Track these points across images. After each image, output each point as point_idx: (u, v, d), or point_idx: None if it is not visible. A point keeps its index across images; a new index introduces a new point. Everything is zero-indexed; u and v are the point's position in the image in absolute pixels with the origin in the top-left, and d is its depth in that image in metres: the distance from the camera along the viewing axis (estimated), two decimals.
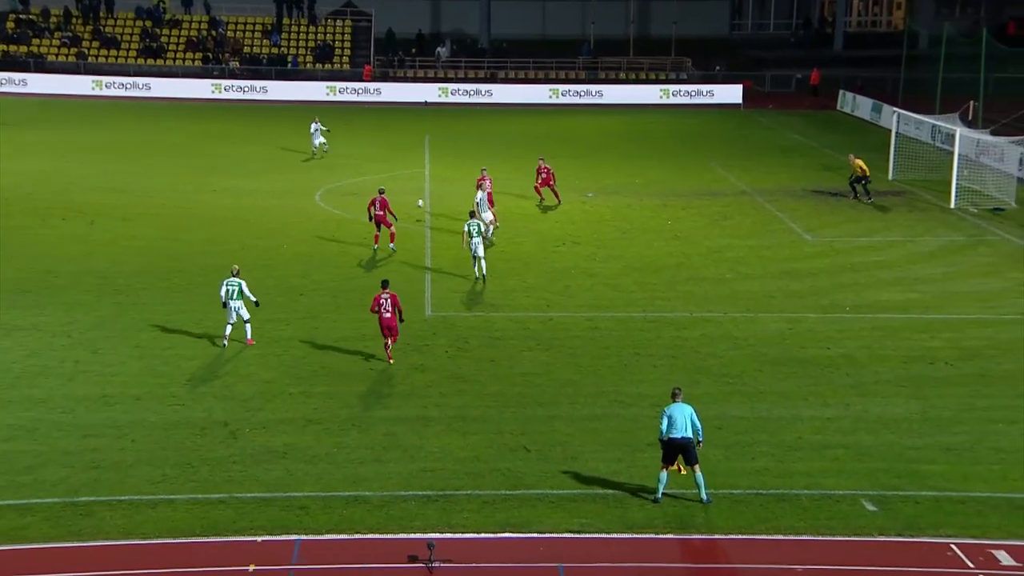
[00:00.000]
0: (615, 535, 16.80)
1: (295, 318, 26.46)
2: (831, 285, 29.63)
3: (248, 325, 24.69)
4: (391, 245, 32.17)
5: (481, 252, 29.18)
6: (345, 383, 22.57)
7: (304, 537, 16.65)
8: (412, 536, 16.64)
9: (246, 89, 65.81)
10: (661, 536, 16.81)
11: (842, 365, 23.84)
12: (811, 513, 17.41)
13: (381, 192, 32.45)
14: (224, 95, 65.31)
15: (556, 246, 33.45)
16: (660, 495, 17.57)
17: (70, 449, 19.34)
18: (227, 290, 24.47)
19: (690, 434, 17.32)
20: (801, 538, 16.80)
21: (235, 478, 18.41)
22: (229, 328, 24.44)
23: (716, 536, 16.81)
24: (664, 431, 17.45)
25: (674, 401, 17.64)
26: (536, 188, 39.05)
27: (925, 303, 28.20)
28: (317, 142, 45.02)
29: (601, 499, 17.76)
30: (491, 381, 22.80)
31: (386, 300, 23.28)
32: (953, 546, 16.51)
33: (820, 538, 16.80)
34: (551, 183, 38.62)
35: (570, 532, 16.87)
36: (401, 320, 23.60)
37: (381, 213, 31.97)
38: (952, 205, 38.80)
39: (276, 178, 42.86)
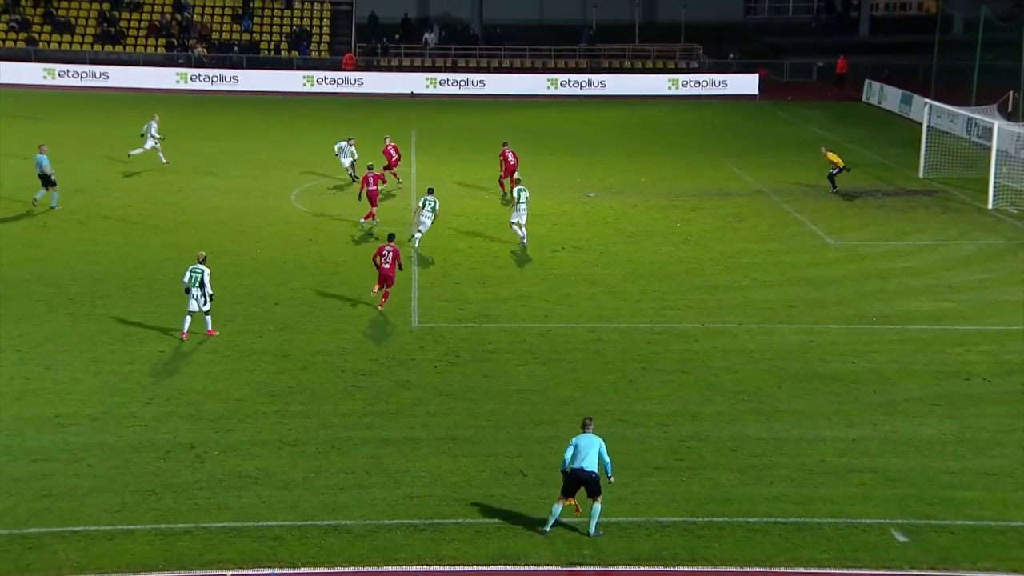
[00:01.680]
0: (620, 567, 16.81)
1: (269, 330, 26.47)
2: (856, 293, 29.71)
3: (208, 317, 25.25)
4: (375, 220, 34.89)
5: (424, 228, 32.46)
6: (324, 401, 22.57)
7: (278, 571, 16.63)
8: (396, 569, 16.64)
9: (214, 79, 65.87)
10: (671, 569, 16.81)
11: (869, 381, 23.89)
12: (835, 544, 17.43)
13: (370, 168, 35.24)
14: (190, 85, 65.34)
15: (555, 251, 33.51)
16: (549, 527, 17.56)
17: (18, 475, 19.30)
18: (191, 276, 25.17)
19: (595, 468, 17.42)
20: (824, 571, 16.82)
21: (202, 506, 18.38)
22: (188, 320, 24.98)
23: (731, 569, 16.82)
24: (567, 461, 17.57)
25: (584, 431, 17.74)
26: (500, 180, 39.29)
27: (960, 313, 28.27)
28: (347, 162, 43.10)
29: (604, 528, 17.75)
30: (484, 398, 22.81)
31: (388, 252, 26.99)
32: None
33: (845, 572, 16.82)
34: (512, 174, 38.89)
35: (571, 564, 16.87)
36: (400, 268, 27.40)
37: (375, 188, 34.73)
38: (990, 205, 38.94)
39: (248, 177, 42.88)
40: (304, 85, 65.94)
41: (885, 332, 26.77)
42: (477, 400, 22.72)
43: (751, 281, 30.68)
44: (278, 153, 47.16)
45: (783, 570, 16.80)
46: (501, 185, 39.63)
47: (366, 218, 35.07)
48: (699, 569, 16.83)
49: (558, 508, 17.62)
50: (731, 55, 72.44)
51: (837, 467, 19.95)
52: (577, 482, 17.48)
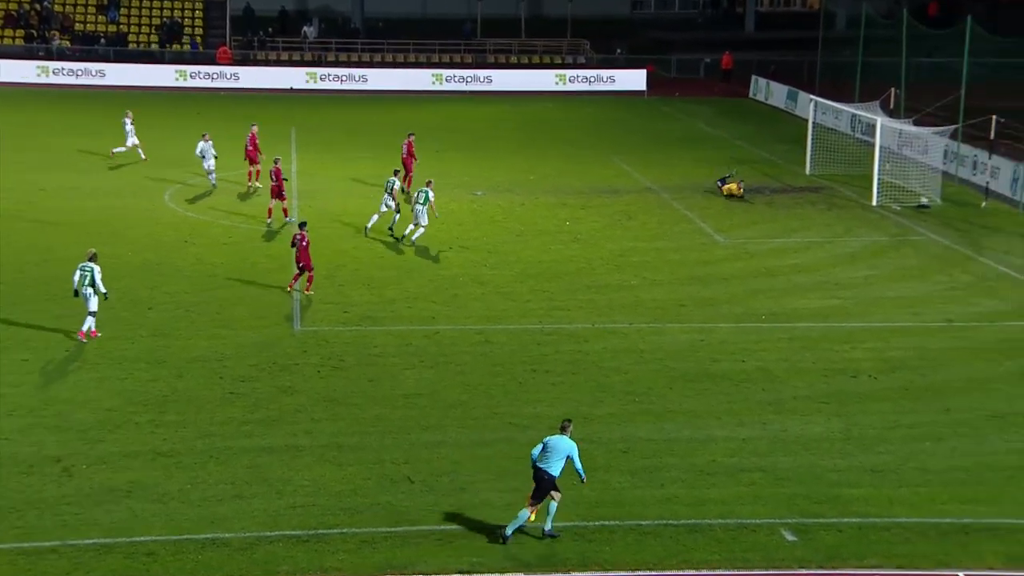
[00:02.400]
0: (509, 575, 16.86)
1: (142, 335, 25.92)
2: (745, 292, 30.33)
3: (92, 318, 25.14)
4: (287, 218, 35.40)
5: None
6: (201, 409, 22.20)
7: None
8: None
9: (79, 72, 64.18)
10: (561, 574, 16.93)
11: (758, 380, 24.43)
12: (725, 545, 17.77)
13: (276, 162, 35.20)
14: (52, 79, 63.59)
15: (442, 251, 33.49)
16: (510, 532, 17.56)
17: None
18: (80, 276, 25.17)
19: (557, 473, 17.54)
20: (716, 573, 17.12)
21: (69, 522, 17.92)
22: (91, 320, 25.16)
23: (622, 573, 17.01)
24: (535, 457, 17.69)
25: (561, 433, 17.83)
26: (401, 161, 39.60)
27: (846, 310, 29.08)
28: (209, 164, 42.27)
29: (493, 535, 17.81)
30: (369, 404, 22.68)
31: (301, 238, 28.41)
32: None
33: (736, 572, 17.15)
34: (408, 167, 39.45)
35: (459, 573, 16.88)
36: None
37: (277, 183, 34.82)
38: (874, 202, 40.12)
39: (118, 176, 41.92)
40: (176, 79, 64.70)
41: (774, 330, 27.38)
42: (362, 405, 22.59)
43: (641, 280, 31.10)
44: (150, 151, 46.17)
45: (674, 573, 17.05)
46: (409, 182, 39.53)
47: (285, 214, 35.47)
48: (590, 574, 16.98)
49: (525, 514, 17.54)
50: (618, 50, 73.31)
51: (728, 467, 20.34)
52: (539, 481, 17.52)
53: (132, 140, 43.53)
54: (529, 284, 30.52)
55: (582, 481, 18.05)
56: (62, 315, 26.86)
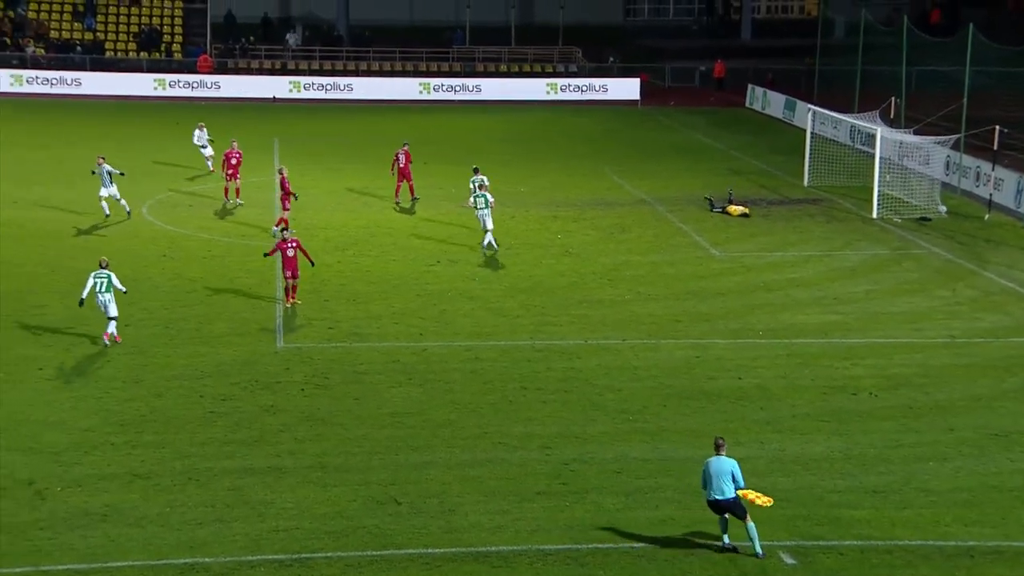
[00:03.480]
0: None
1: (118, 353, 25.87)
2: (742, 307, 30.38)
3: (114, 322, 25.81)
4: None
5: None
6: (180, 430, 22.14)
7: None
8: None
9: (54, 81, 64.22)
10: None
11: (755, 397, 24.45)
12: (722, 568, 17.74)
13: (282, 171, 36.36)
14: (26, 88, 63.64)
15: (430, 265, 33.51)
16: (761, 550, 17.84)
17: None
18: (96, 283, 25.81)
19: (732, 494, 17.81)
20: None
21: (42, 547, 17.84)
22: (112, 324, 25.93)
23: None
24: (704, 487, 18.00)
25: (717, 453, 18.05)
26: (398, 171, 39.91)
27: (846, 326, 29.13)
28: (207, 152, 43.96)
29: (484, 558, 17.79)
30: (355, 423, 22.65)
31: (291, 246, 28.74)
32: None
33: None
34: (408, 175, 39.79)
35: None
36: (312, 263, 29.41)
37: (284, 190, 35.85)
38: (874, 215, 40.23)
39: (93, 188, 41.84)
40: (155, 88, 64.75)
41: (771, 346, 27.42)
42: (347, 425, 22.55)
43: (635, 295, 31.13)
44: (127, 162, 46.09)
45: None
46: (406, 177, 40.06)
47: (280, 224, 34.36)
48: None
49: (752, 528, 17.77)
50: (611, 59, 73.53)
51: None
52: (719, 510, 17.80)
53: (206, 151, 43.73)
54: (520, 299, 30.54)
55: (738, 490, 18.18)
56: (34, 333, 26.82)
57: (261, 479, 20.21)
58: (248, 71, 69.25)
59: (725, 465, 17.91)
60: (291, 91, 65.98)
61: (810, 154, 45.79)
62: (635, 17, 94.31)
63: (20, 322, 27.58)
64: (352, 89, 66.62)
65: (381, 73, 70.49)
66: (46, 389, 23.86)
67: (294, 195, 35.95)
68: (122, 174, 37.32)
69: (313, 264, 29.56)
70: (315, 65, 71.06)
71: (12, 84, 63.70)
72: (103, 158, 36.89)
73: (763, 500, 18.10)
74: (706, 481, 17.96)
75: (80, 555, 17.65)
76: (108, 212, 36.83)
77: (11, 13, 68.72)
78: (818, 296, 31.49)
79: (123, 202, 37.02)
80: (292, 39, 74.03)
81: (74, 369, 24.84)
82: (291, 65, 71.00)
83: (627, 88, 67.93)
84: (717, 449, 18.11)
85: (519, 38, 76.78)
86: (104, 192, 36.57)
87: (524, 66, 73.09)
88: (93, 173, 37.02)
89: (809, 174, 45.46)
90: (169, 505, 19.24)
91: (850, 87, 53.81)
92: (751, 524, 17.89)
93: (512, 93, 67.40)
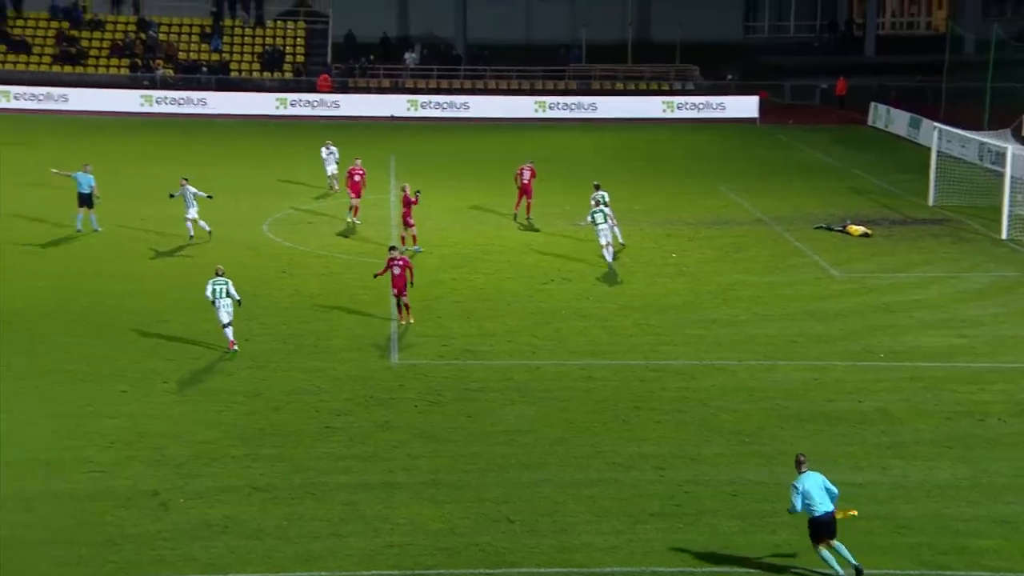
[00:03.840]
0: None
1: (238, 368, 26.41)
2: (863, 328, 29.83)
3: (230, 329, 26.69)
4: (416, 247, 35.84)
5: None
6: (297, 444, 22.51)
7: None
8: None
9: (181, 101, 65.97)
10: None
11: (877, 421, 23.96)
12: None
13: (405, 189, 36.40)
14: (156, 108, 65.40)
15: (543, 283, 33.58)
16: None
17: None
18: (214, 289, 26.86)
19: (831, 508, 17.70)
20: None
21: (166, 557, 18.27)
22: (229, 330, 26.83)
23: None
24: (798, 508, 17.75)
25: (799, 470, 17.91)
26: (521, 186, 40.13)
27: (973, 349, 28.40)
28: (330, 170, 44.55)
29: None
30: (468, 440, 22.78)
31: (398, 264, 28.78)
32: None
33: None
34: (529, 192, 40.00)
35: None
36: (411, 283, 29.03)
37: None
38: (1003, 235, 39.20)
39: (215, 205, 42.85)
40: (277, 108, 66.06)
41: (894, 369, 26.86)
42: (461, 442, 22.68)
43: (751, 315, 30.78)
44: (249, 180, 47.21)
45: None
46: (516, 206, 40.49)
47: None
48: None
49: (826, 554, 17.67)
50: (729, 76, 72.93)
51: None
52: (821, 529, 17.67)
53: (331, 168, 44.14)
54: (633, 318, 30.41)
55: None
56: (157, 346, 27.56)
57: (375, 494, 20.43)
58: (367, 90, 70.27)
59: (817, 479, 17.72)
60: (408, 109, 66.76)
61: (935, 173, 44.79)
62: (755, 34, 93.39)
63: (144, 336, 28.35)
64: (468, 107, 67.15)
65: (497, 91, 70.86)
66: (168, 402, 24.48)
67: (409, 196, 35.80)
68: (210, 197, 37.34)
69: (412, 285, 29.07)
70: (432, 84, 71.84)
71: (142, 104, 65.56)
72: (186, 180, 36.92)
73: (850, 512, 17.93)
74: (806, 501, 17.59)
75: (202, 566, 18.03)
76: (192, 234, 36.87)
77: (143, 36, 70.88)
78: (943, 318, 30.76)
79: (203, 223, 37.00)
80: (410, 58, 74.99)
81: (195, 382, 25.44)
82: (409, 84, 71.90)
83: (745, 106, 67.24)
84: (799, 466, 17.88)
85: (635, 56, 76.59)
86: (192, 214, 36.67)
87: (640, 84, 72.88)
88: (172, 196, 36.97)
89: (935, 194, 44.48)
90: (287, 518, 19.56)
91: (979, 104, 52.57)
92: (840, 544, 17.58)
93: (628, 111, 67.18)
